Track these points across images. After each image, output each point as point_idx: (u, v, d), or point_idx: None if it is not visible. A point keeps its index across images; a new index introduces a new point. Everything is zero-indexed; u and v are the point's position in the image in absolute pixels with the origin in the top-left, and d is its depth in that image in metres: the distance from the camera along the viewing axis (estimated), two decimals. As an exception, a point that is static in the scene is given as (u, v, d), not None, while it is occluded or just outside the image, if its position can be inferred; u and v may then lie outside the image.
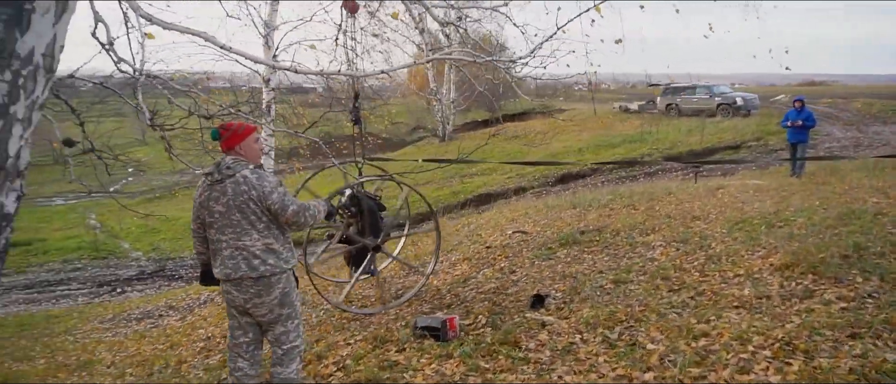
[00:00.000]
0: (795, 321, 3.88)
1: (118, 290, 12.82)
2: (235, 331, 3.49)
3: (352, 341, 4.60)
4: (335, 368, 4.08)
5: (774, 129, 18.89)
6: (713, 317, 4.11)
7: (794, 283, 4.60)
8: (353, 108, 5.52)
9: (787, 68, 7.67)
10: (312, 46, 8.24)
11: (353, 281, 5.61)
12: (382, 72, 4.97)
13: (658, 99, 28.00)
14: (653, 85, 30.28)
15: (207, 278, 3.63)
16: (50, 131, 4.73)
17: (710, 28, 6.65)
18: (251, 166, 3.41)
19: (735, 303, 4.38)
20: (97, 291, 12.84)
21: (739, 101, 25.07)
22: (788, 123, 12.12)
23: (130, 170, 24.21)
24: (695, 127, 21.95)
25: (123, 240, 17.78)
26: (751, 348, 3.53)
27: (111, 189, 24.55)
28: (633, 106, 29.85)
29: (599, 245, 6.72)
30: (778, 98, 31.03)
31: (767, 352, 3.44)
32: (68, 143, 4.06)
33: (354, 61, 5.60)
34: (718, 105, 25.37)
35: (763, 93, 32.13)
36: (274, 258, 3.35)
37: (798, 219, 6.53)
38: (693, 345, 3.69)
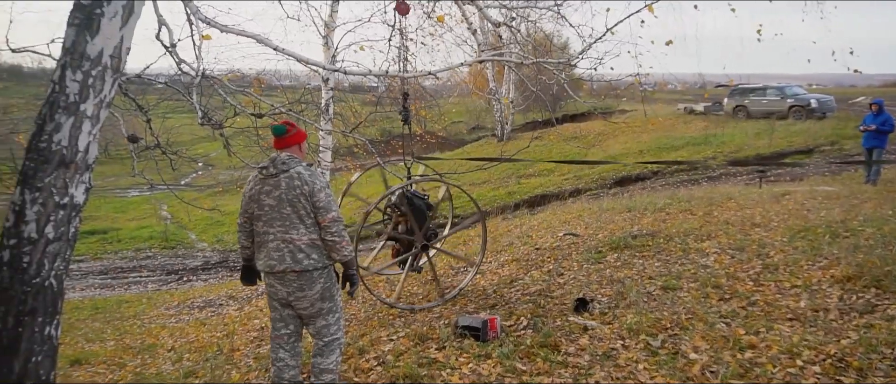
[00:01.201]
0: (852, 336, 3.70)
1: (184, 279, 13.47)
2: (277, 324, 3.64)
3: (394, 337, 4.69)
4: (375, 363, 4.17)
5: (851, 132, 17.89)
6: (763, 329, 3.97)
7: (854, 297, 4.39)
8: (403, 108, 5.62)
9: (855, 71, 7.25)
10: (361, 48, 8.39)
11: (402, 279, 5.73)
12: (429, 73, 5.03)
13: (725, 100, 26.94)
14: (721, 85, 29.07)
15: (248, 275, 3.80)
16: (119, 127, 5.04)
17: (759, 31, 6.33)
18: (304, 163, 3.58)
19: (788, 316, 4.21)
20: (165, 279, 13.53)
21: (814, 103, 23.80)
22: (862, 128, 11.48)
23: (200, 164, 25.36)
24: (763, 129, 21.02)
25: (191, 232, 18.61)
26: (799, 363, 3.40)
27: (182, 182, 25.80)
28: (699, 107, 28.84)
29: (651, 250, 6.57)
30: (858, 100, 29.33)
31: (817, 368, 3.30)
32: (133, 139, 4.32)
33: (407, 61, 5.70)
34: (791, 107, 24.15)
35: (841, 94, 30.43)
36: (317, 253, 3.47)
37: (866, 229, 6.19)
38: (738, 356, 3.58)
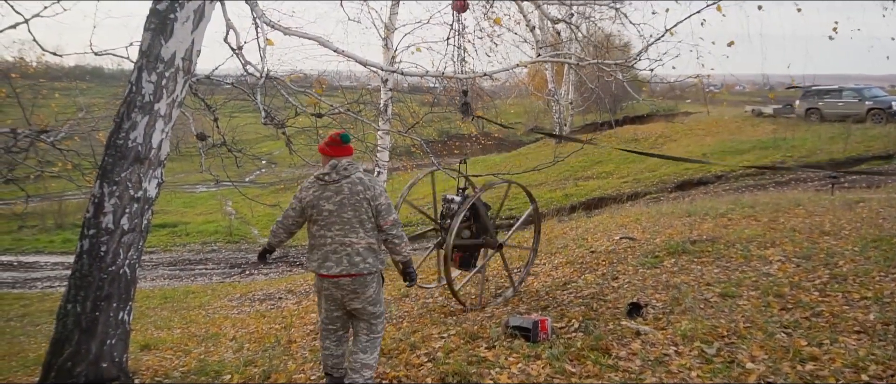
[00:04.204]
0: (925, 352, 3.51)
1: (246, 273, 13.99)
2: (326, 321, 3.81)
3: (445, 335, 4.75)
4: (426, 359, 4.24)
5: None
6: (827, 341, 3.82)
7: (930, 311, 4.14)
8: (463, 104, 5.65)
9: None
10: (418, 49, 8.51)
11: (470, 274, 5.88)
12: (485, 74, 5.06)
13: (797, 102, 25.70)
14: (792, 87, 27.75)
15: (264, 254, 4.00)
16: (189, 125, 5.32)
17: (835, 29, 6.02)
18: (363, 169, 3.71)
19: (856, 328, 4.03)
20: (229, 272, 14.09)
21: (895, 106, 22.39)
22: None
23: (263, 162, 26.23)
24: (838, 133, 19.96)
25: (253, 227, 19.27)
26: (865, 377, 3.25)
27: (246, 179, 26.76)
28: (768, 109, 27.66)
29: (711, 256, 6.39)
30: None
31: None
32: (201, 136, 4.55)
33: (465, 61, 5.73)
34: (869, 110, 22.74)
35: (926, 97, 28.49)
36: (373, 258, 3.59)
37: (947, 241, 5.83)
38: (798, 368, 3.46)
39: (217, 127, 5.24)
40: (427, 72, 5.19)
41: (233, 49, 4.44)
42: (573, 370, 3.78)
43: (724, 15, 5.74)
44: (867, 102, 23.05)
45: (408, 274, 3.88)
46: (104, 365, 3.80)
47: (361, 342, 3.71)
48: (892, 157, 17.42)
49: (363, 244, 3.54)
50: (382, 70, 6.70)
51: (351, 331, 3.87)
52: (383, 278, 3.83)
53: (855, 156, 17.84)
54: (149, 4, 3.83)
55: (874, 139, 19.22)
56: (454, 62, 5.46)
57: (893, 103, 22.69)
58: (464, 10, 5.50)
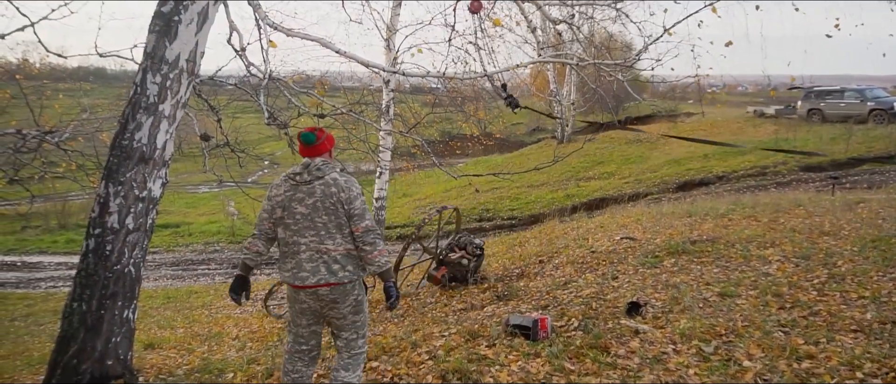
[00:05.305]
0: (920, 351, 3.54)
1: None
2: (299, 339, 3.43)
3: (446, 333, 4.79)
4: (427, 357, 4.28)
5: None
6: (823, 340, 3.85)
7: (926, 310, 4.18)
8: (508, 96, 5.64)
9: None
10: (419, 50, 8.57)
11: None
12: (485, 74, 5.11)
13: (799, 103, 25.70)
14: (794, 87, 27.71)
15: (241, 286, 3.43)
16: (192, 126, 5.37)
17: (837, 26, 6.01)
18: (339, 169, 3.42)
19: (852, 327, 4.06)
20: (231, 272, 14.14)
21: (897, 107, 22.36)
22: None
23: (266, 162, 26.32)
24: (840, 134, 19.97)
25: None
26: (860, 375, 3.29)
27: (249, 180, 26.84)
28: (770, 110, 27.67)
29: (710, 256, 6.43)
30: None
31: (878, 381, 3.19)
32: (205, 137, 4.60)
33: (474, 60, 5.76)
34: (871, 111, 22.74)
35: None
36: (353, 265, 3.28)
37: (946, 241, 5.86)
38: (794, 366, 3.50)
39: (220, 127, 5.29)
40: (429, 72, 5.23)
41: (236, 50, 4.49)
42: (572, 368, 3.83)
43: (719, 16, 5.78)
44: (869, 103, 23.05)
45: (388, 291, 3.34)
46: (109, 362, 3.85)
47: (343, 359, 3.40)
48: (893, 158, 17.43)
49: (341, 251, 3.22)
50: (384, 71, 6.75)
51: (319, 352, 3.54)
52: (366, 286, 3.52)
53: (856, 156, 17.84)
54: (153, 6, 3.89)
55: (876, 140, 19.22)
56: (482, 60, 5.46)
57: (895, 104, 22.68)
58: (479, 11, 5.49)
